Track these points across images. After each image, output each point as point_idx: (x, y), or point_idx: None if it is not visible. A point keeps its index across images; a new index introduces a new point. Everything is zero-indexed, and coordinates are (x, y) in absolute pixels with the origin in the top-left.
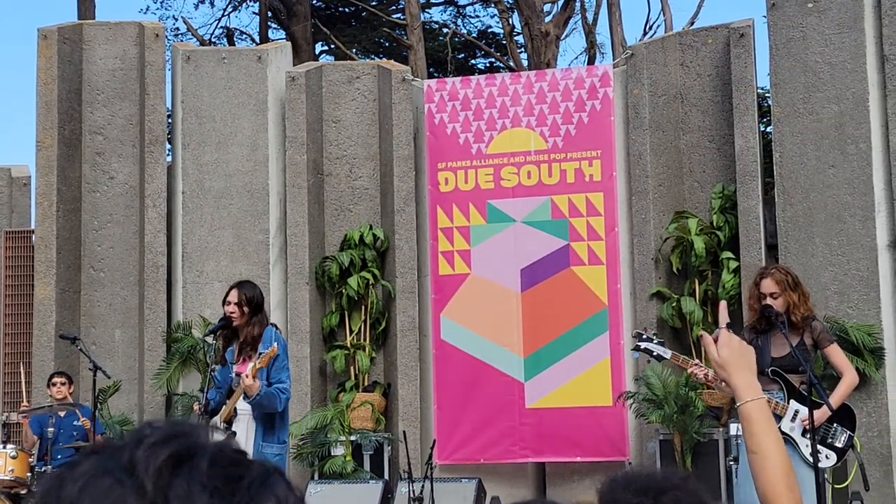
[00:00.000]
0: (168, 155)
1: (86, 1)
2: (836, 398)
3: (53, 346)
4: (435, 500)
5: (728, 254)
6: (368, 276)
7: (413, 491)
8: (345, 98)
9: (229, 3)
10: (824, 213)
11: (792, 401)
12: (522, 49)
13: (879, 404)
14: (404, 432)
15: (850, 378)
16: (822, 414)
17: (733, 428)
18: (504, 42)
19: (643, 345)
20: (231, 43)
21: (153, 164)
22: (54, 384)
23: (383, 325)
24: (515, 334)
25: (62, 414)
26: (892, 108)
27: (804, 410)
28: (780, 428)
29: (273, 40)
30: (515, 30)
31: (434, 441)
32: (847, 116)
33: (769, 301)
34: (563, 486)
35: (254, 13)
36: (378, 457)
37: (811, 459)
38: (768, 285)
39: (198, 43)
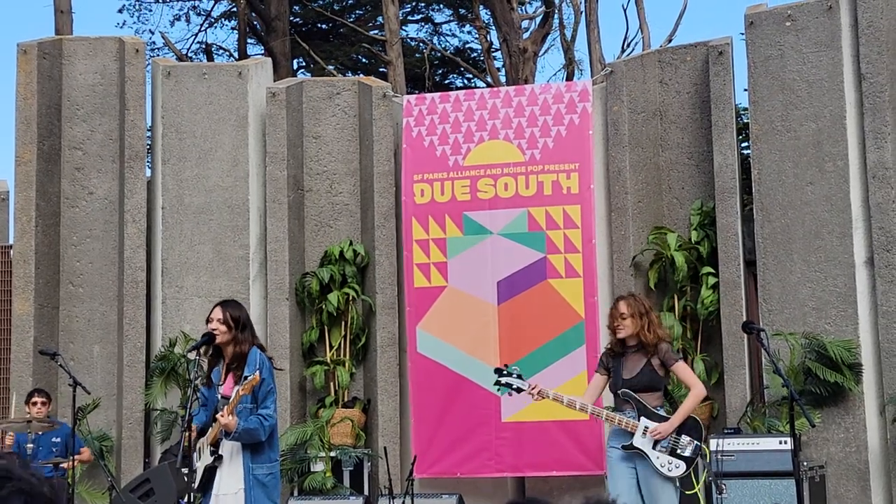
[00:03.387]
0: (148, 170)
1: (63, 15)
2: (682, 412)
3: (31, 362)
4: None
5: (708, 269)
6: (349, 291)
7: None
8: (325, 114)
9: (206, 19)
10: (802, 230)
11: (642, 417)
12: (501, 67)
13: (857, 420)
14: (385, 448)
15: (696, 392)
16: (665, 427)
17: (713, 443)
18: (482, 59)
19: (504, 379)
20: (210, 58)
21: (133, 179)
22: (34, 403)
23: (363, 340)
24: (492, 347)
25: (41, 431)
26: (868, 126)
27: (653, 425)
28: (632, 444)
29: (251, 56)
30: (493, 46)
31: (415, 457)
32: (825, 134)
33: (619, 322)
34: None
35: (232, 28)
36: (358, 472)
37: (662, 471)
38: (621, 307)
39: (176, 58)
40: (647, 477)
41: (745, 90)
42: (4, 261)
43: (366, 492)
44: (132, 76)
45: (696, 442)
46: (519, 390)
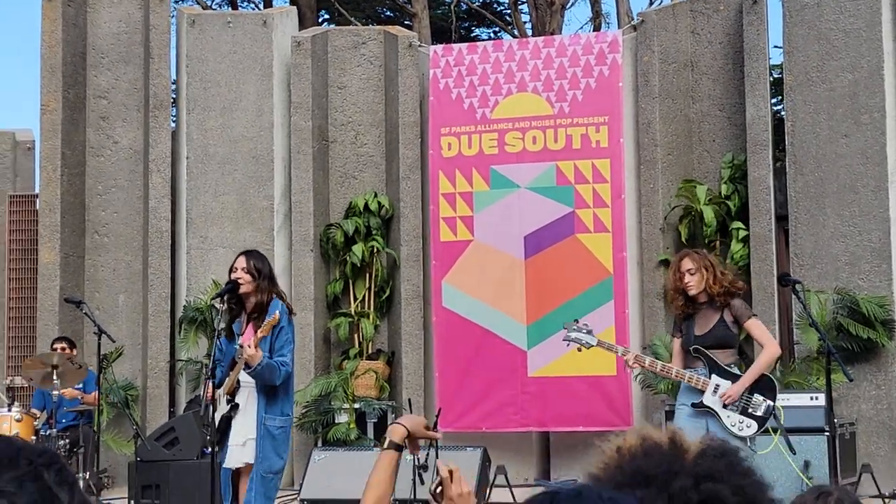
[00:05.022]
0: (172, 120)
1: None
2: (754, 370)
3: (57, 311)
4: (439, 469)
5: (738, 224)
6: (373, 243)
7: (417, 459)
8: (350, 64)
9: None
10: (836, 184)
11: (714, 375)
12: (527, 20)
13: (889, 377)
14: (409, 400)
15: (770, 350)
16: (738, 388)
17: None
18: (508, 12)
19: (572, 335)
20: (234, 7)
21: (157, 128)
22: (56, 350)
23: (388, 292)
24: (518, 302)
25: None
26: None
27: (724, 384)
28: (702, 402)
29: (277, 6)
30: None
31: (439, 410)
32: (861, 85)
33: (688, 278)
34: (568, 457)
35: None
36: (382, 424)
37: (733, 430)
38: (686, 263)
39: (200, 7)
40: (720, 436)
41: (777, 47)
42: (31, 210)
43: None
44: (156, 24)
45: (768, 402)
46: (588, 346)
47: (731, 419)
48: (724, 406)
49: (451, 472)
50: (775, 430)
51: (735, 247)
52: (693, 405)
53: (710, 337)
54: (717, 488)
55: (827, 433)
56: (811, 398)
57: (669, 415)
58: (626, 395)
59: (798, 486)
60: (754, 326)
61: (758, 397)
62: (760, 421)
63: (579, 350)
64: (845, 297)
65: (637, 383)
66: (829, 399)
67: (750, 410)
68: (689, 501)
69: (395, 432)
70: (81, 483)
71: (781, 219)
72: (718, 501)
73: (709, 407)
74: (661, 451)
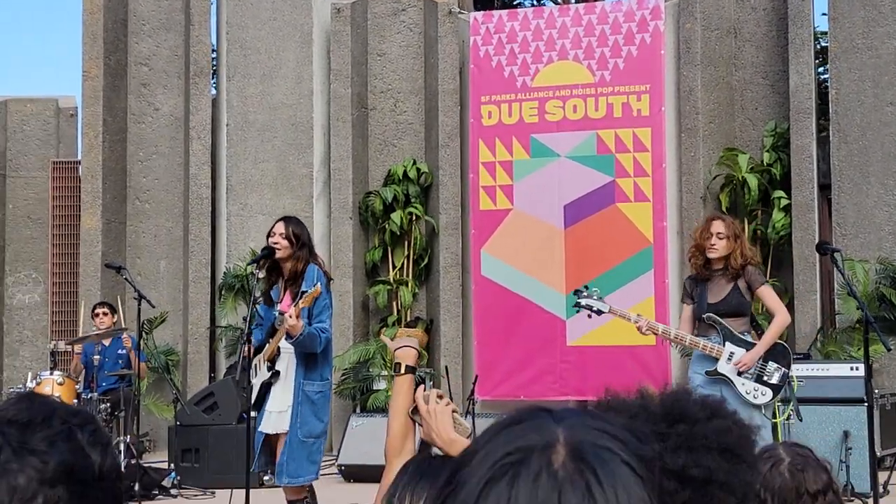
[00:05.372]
0: (213, 87)
1: None
2: (768, 338)
3: (99, 276)
4: (476, 436)
5: (780, 192)
6: (412, 211)
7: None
8: (390, 31)
9: None
10: (881, 153)
11: (728, 343)
12: None
13: None
14: (446, 367)
15: (781, 318)
16: (750, 356)
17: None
18: None
19: (583, 301)
20: None
21: (198, 95)
22: (97, 315)
23: (426, 260)
24: (558, 271)
25: (107, 342)
26: None
27: (739, 352)
28: (717, 369)
29: None
30: None
31: (476, 376)
32: None
33: (715, 241)
34: None
35: None
36: None
37: (748, 398)
38: (718, 226)
39: None
40: (734, 404)
41: (823, 14)
42: (73, 176)
43: None
44: None
45: (783, 369)
46: (599, 312)
47: (746, 387)
48: (739, 374)
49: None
50: (788, 401)
51: (777, 216)
52: (707, 373)
53: (725, 304)
54: (685, 405)
55: (866, 403)
56: (851, 368)
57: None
58: (666, 364)
59: (837, 457)
60: (767, 293)
61: (772, 365)
62: (775, 389)
63: (589, 317)
64: (888, 268)
65: (677, 352)
66: (868, 369)
67: (764, 378)
68: (654, 416)
69: (408, 356)
70: (123, 445)
71: (824, 188)
72: (687, 418)
73: (723, 375)
74: (629, 401)
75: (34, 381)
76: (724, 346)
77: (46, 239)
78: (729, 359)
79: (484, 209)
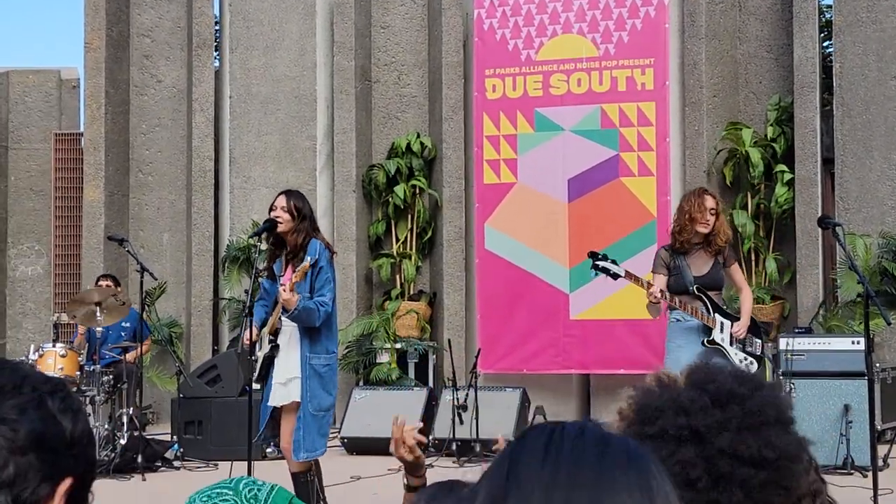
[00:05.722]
0: (216, 59)
1: None
2: (748, 310)
3: (102, 249)
4: (479, 409)
5: (783, 167)
6: (416, 184)
7: (457, 399)
8: (394, 3)
9: None
10: (884, 127)
11: (717, 314)
12: None
13: None
14: (449, 341)
15: (749, 292)
16: (744, 325)
17: (783, 343)
18: None
19: (600, 263)
20: None
21: (201, 67)
22: (100, 286)
23: (430, 234)
24: (561, 245)
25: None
26: None
27: (727, 323)
28: (712, 339)
29: None
30: None
31: (479, 350)
32: None
33: (709, 217)
34: (608, 399)
35: None
36: (423, 365)
37: (741, 366)
38: (711, 202)
39: None
40: None
41: None
42: (75, 148)
43: (430, 384)
44: None
45: (758, 340)
46: (615, 276)
47: (738, 356)
48: (731, 344)
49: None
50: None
51: (780, 190)
52: (707, 342)
53: (709, 278)
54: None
55: (867, 377)
56: (853, 342)
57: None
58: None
59: (837, 430)
60: (737, 270)
61: (751, 336)
62: (758, 359)
63: (595, 276)
64: (890, 242)
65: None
66: (869, 343)
67: (748, 349)
68: (704, 406)
69: (416, 474)
70: (126, 418)
71: (828, 162)
72: (735, 397)
73: (719, 344)
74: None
75: (37, 353)
76: (713, 317)
77: (49, 211)
78: (721, 329)
79: (488, 183)
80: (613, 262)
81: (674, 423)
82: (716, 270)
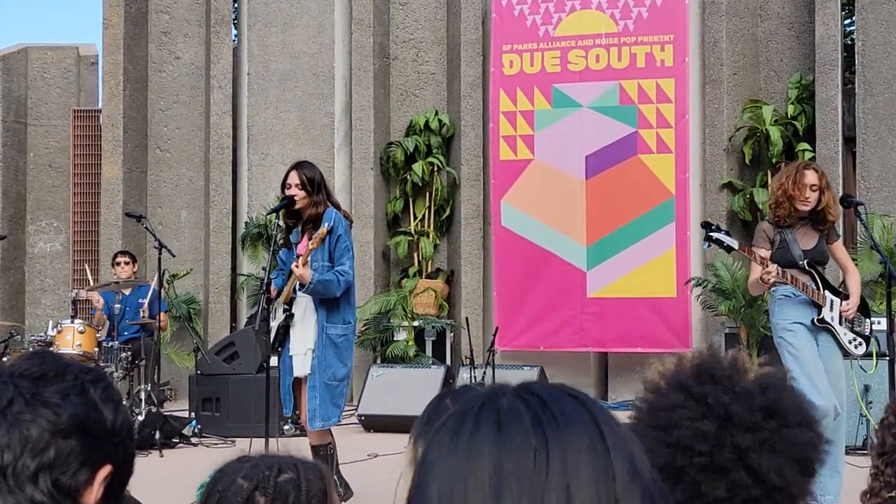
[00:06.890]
0: (234, 36)
1: None
2: (858, 289)
3: (120, 225)
4: None
5: (804, 145)
6: (434, 161)
7: (475, 377)
8: None
9: None
10: None
11: (826, 291)
12: None
13: None
14: (467, 319)
15: (856, 271)
16: (853, 305)
17: None
18: None
19: (714, 235)
20: None
21: (219, 44)
22: (118, 263)
23: (448, 211)
24: (579, 222)
25: (127, 291)
26: None
27: (836, 301)
28: (822, 317)
29: None
30: None
31: (496, 328)
32: None
33: (809, 194)
34: (625, 377)
35: None
36: (440, 342)
37: (849, 347)
38: (812, 177)
39: None
40: (831, 354)
41: None
42: (94, 125)
43: (447, 361)
44: None
45: (868, 320)
46: (729, 249)
47: (848, 336)
48: (840, 323)
49: None
50: (883, 355)
51: None
52: (817, 321)
53: (816, 252)
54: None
55: (888, 357)
56: (873, 322)
57: (729, 338)
58: (686, 316)
59: (857, 410)
60: (840, 248)
61: (860, 316)
62: (867, 340)
63: (707, 247)
64: None
65: (698, 303)
66: (890, 323)
67: (857, 329)
68: (752, 404)
69: None
70: (143, 394)
71: (849, 140)
72: (780, 415)
73: (829, 323)
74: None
75: (55, 330)
76: (823, 293)
77: (67, 188)
78: (831, 307)
79: (504, 159)
80: (727, 233)
81: (717, 395)
82: (822, 245)
